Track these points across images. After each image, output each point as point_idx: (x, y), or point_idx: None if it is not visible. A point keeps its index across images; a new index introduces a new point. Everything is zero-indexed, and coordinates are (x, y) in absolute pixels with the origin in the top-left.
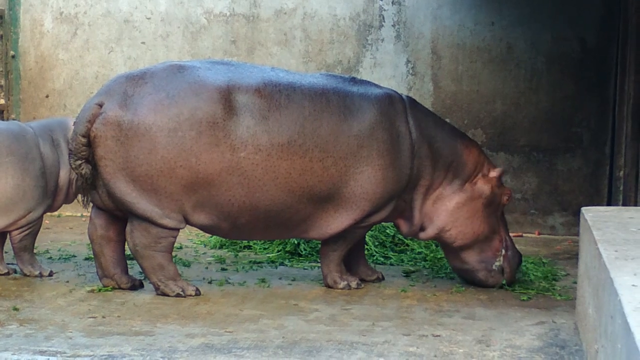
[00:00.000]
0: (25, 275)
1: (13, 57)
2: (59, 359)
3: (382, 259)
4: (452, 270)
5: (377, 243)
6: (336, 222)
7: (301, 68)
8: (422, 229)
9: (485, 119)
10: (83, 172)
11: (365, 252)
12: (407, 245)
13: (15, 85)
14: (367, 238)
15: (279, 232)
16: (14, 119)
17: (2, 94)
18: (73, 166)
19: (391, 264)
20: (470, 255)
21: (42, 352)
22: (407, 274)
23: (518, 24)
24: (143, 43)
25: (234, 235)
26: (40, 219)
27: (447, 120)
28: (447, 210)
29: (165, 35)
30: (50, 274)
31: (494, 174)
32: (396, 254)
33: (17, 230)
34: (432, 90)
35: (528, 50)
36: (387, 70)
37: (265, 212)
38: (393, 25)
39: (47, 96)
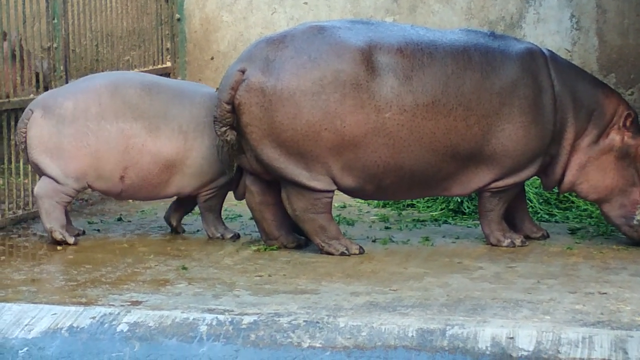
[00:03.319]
0: (209, 237)
1: (179, 20)
2: (227, 317)
3: (546, 217)
4: None
5: (541, 200)
6: (477, 178)
7: (463, 25)
8: (561, 182)
9: None
10: (228, 138)
11: (530, 209)
12: (573, 202)
13: (180, 47)
14: (531, 195)
15: (422, 190)
16: None
17: (169, 56)
18: (218, 133)
19: (556, 221)
20: (610, 209)
21: (210, 310)
22: (572, 231)
23: None
24: (305, 3)
25: (377, 196)
26: (228, 184)
27: (613, 75)
28: (579, 164)
29: None
30: (233, 238)
31: (621, 119)
32: (561, 211)
33: (204, 191)
34: (597, 45)
35: None
36: (550, 26)
37: (410, 172)
38: None
39: (212, 58)
